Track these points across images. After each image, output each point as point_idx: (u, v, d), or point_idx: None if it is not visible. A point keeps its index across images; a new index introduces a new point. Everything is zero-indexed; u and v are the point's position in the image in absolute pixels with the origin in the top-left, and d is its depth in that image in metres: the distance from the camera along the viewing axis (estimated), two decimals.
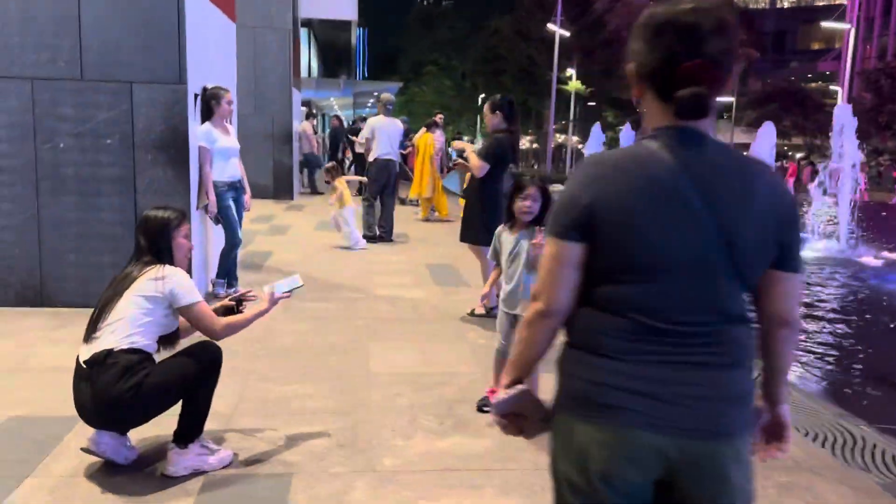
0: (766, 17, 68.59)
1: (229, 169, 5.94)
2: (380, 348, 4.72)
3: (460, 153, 5.99)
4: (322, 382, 4.04)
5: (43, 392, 3.76)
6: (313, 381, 4.05)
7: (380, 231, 9.52)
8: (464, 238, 5.67)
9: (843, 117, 14.03)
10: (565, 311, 1.43)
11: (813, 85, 59.64)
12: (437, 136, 12.48)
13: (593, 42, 39.48)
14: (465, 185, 6.42)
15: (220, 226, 5.94)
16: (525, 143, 59.92)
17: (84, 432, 3.00)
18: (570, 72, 39.33)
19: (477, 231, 5.50)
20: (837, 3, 71.18)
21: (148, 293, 2.86)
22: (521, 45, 40.58)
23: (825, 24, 36.20)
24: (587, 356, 1.40)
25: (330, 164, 9.49)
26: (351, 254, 8.49)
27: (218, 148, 5.79)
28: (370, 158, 9.56)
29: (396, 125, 9.82)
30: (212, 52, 6.22)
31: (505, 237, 3.70)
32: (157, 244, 3.01)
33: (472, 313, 5.65)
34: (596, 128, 25.12)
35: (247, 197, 6.16)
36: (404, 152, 15.38)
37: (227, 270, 6.06)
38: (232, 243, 5.96)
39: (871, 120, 37.56)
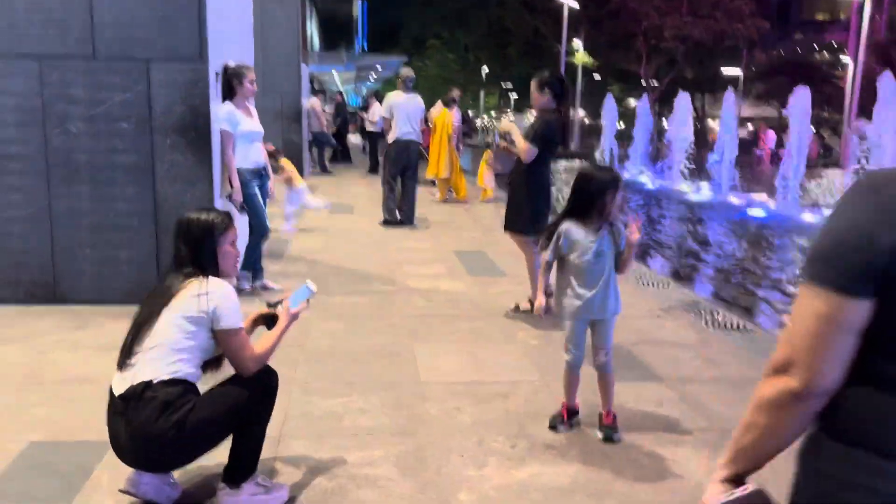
0: None
1: (253, 154, 5.51)
2: (426, 351, 4.34)
3: (505, 136, 5.55)
4: (371, 394, 3.67)
5: (64, 410, 3.38)
6: (361, 393, 3.67)
7: (400, 215, 9.10)
8: (509, 227, 5.26)
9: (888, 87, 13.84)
10: (832, 391, 1.04)
11: (820, 57, 58.75)
12: (454, 114, 12.01)
13: (599, 13, 38.60)
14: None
15: (243, 215, 5.53)
16: (528, 118, 59.32)
17: (116, 462, 2.62)
18: (578, 44, 38.55)
19: (524, 220, 5.08)
20: None
21: (191, 313, 2.46)
22: (527, 18, 39.67)
23: None
24: (870, 458, 1.00)
25: (272, 149, 8.26)
26: (374, 240, 8.09)
27: (241, 131, 5.36)
28: (390, 139, 9.11)
29: (417, 102, 9.35)
30: (232, 26, 5.76)
31: (578, 234, 3.24)
32: (201, 253, 2.59)
33: (516, 309, 5.27)
34: (609, 101, 24.45)
35: (271, 183, 5.74)
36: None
37: (253, 262, 5.66)
38: (260, 234, 5.56)
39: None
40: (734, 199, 14.61)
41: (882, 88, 13.85)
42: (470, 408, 3.53)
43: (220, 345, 2.55)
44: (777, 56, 50.95)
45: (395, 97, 9.13)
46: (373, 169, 16.06)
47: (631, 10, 36.91)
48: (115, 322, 4.71)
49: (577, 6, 32.26)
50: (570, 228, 3.24)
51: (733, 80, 50.37)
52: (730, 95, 18.00)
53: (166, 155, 4.98)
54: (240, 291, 5.57)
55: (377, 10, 61.56)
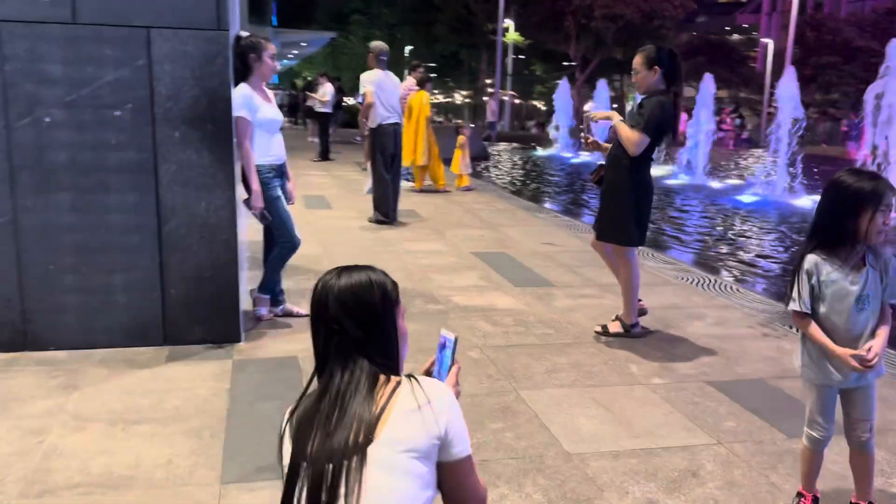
0: None
1: (275, 147, 4.40)
2: (543, 403, 3.42)
3: (588, 124, 4.64)
4: (512, 476, 2.73)
5: None
6: (508, 480, 2.72)
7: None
8: (607, 236, 4.34)
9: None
10: None
11: (736, 37, 60.47)
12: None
13: None
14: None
15: (265, 224, 4.42)
16: (459, 99, 58.30)
17: None
18: (508, 23, 37.83)
19: (628, 228, 4.20)
20: None
21: (422, 443, 1.45)
22: None
23: None
24: None
25: None
26: (376, 242, 7.04)
27: (261, 119, 4.24)
28: (371, 124, 8.00)
29: (395, 81, 8.30)
30: None
31: (833, 272, 2.33)
32: (381, 334, 1.57)
33: (605, 332, 4.41)
34: (601, 84, 23.96)
35: (290, 184, 4.64)
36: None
37: (274, 284, 4.57)
38: (289, 246, 4.46)
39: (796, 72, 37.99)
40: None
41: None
42: (665, 497, 2.65)
43: (446, 478, 1.54)
44: (696, 37, 51.99)
45: (375, 76, 8.01)
46: (323, 154, 14.81)
47: None
48: (117, 376, 3.57)
49: None
50: (821, 264, 2.36)
51: None
52: (708, 78, 17.60)
53: (174, 153, 3.82)
54: (258, 320, 4.50)
55: None
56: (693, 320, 4.81)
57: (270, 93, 4.50)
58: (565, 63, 50.24)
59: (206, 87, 3.81)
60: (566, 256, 6.63)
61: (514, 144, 26.42)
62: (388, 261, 6.25)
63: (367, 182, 8.28)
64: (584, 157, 19.83)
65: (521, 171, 16.56)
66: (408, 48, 49.33)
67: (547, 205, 11.01)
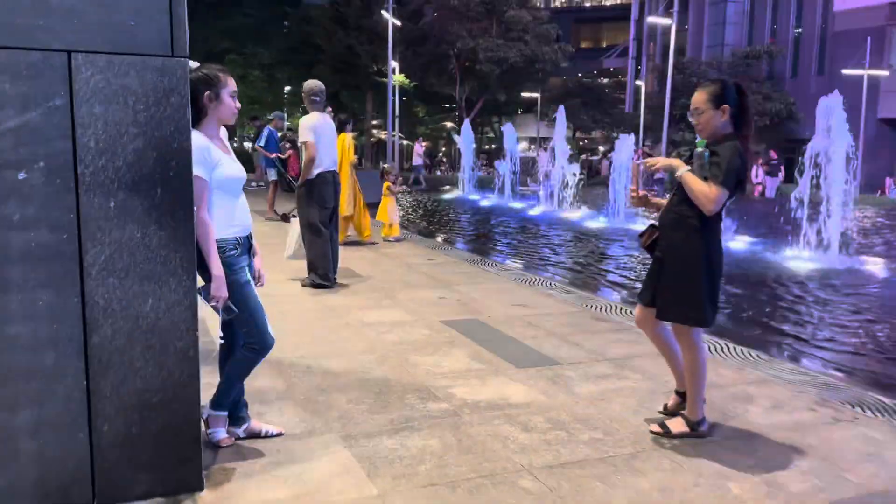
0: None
1: (239, 214, 3.28)
2: None
3: (640, 175, 3.84)
4: None
5: None
6: None
7: (321, 275, 6.90)
8: (674, 314, 3.48)
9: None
10: None
11: (605, 81, 63.38)
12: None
13: (413, 34, 37.91)
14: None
15: (230, 318, 3.26)
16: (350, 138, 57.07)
17: None
18: (394, 65, 37.44)
19: (701, 305, 3.39)
20: (609, 4, 76.76)
21: None
22: (339, 34, 37.85)
23: (651, 19, 37.74)
24: None
25: None
26: (326, 313, 5.91)
27: (220, 178, 3.14)
28: (313, 171, 6.92)
29: (331, 123, 7.29)
30: None
31: None
32: None
33: (666, 432, 3.56)
34: (466, 126, 23.44)
35: (258, 261, 3.51)
36: (283, 156, 12.59)
37: (236, 396, 3.40)
38: (258, 348, 3.30)
39: (662, 114, 39.86)
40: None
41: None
42: None
43: None
44: (569, 80, 53.99)
45: (314, 121, 6.96)
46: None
47: (441, 32, 36.65)
48: None
49: (399, 24, 31.06)
50: None
51: (533, 103, 52.61)
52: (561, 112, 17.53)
53: (108, 230, 2.65)
54: (215, 448, 3.33)
55: None
56: (744, 404, 4.07)
57: (226, 140, 3.39)
58: (447, 105, 50.65)
59: (155, 136, 2.68)
60: (548, 322, 5.79)
61: (407, 188, 25.72)
62: (349, 338, 5.16)
63: (289, 243, 7.14)
64: (493, 199, 19.38)
65: (437, 216, 15.71)
66: (287, 88, 47.94)
67: (493, 256, 10.21)
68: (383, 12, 29.19)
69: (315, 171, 6.82)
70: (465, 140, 22.59)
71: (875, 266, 9.38)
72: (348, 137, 9.44)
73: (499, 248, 11.01)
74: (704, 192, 3.29)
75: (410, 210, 16.70)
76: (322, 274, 6.82)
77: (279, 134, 13.09)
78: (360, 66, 38.81)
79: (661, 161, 3.53)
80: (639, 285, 8.55)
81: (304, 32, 40.34)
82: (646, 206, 3.71)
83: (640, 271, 9.18)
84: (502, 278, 7.67)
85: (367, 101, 42.03)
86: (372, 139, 43.64)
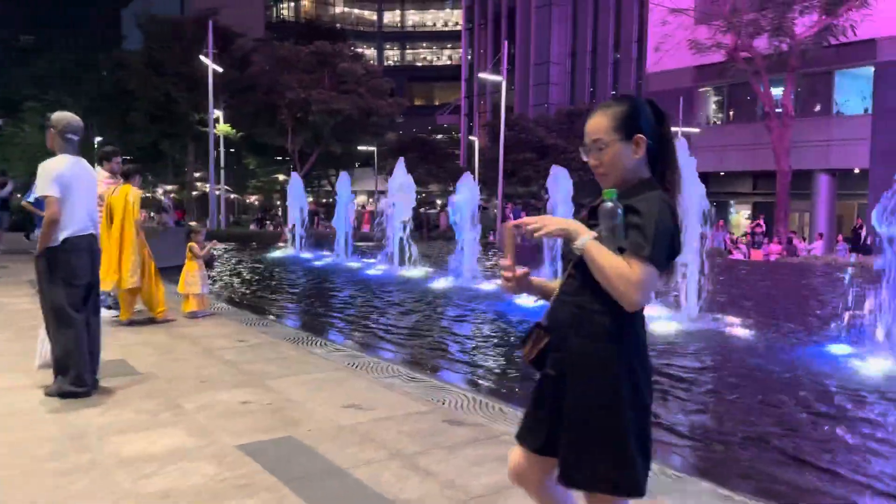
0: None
1: None
2: None
3: (510, 243, 2.40)
4: None
5: None
6: None
7: (74, 378, 4.96)
8: (581, 479, 2.08)
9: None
10: None
11: (439, 136, 64.19)
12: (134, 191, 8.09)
13: (239, 82, 35.85)
14: None
15: None
16: (160, 194, 52.66)
17: None
18: (217, 113, 35.03)
19: (627, 461, 2.03)
20: (440, 64, 78.80)
21: None
22: (154, 80, 34.91)
23: (482, 75, 38.16)
24: None
25: None
26: (59, 442, 4.02)
27: None
28: (51, 240, 4.99)
29: (91, 171, 5.46)
30: None
31: None
32: None
33: None
34: (295, 178, 21.57)
35: None
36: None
37: None
38: None
39: (495, 168, 40.45)
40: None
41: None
42: None
43: None
44: (405, 134, 53.98)
45: (61, 166, 5.08)
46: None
47: (271, 82, 34.96)
48: None
49: (220, 70, 28.95)
50: None
51: (370, 157, 51.84)
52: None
53: None
54: None
55: None
56: None
57: None
58: (280, 157, 48.57)
59: None
60: (390, 432, 4.29)
61: (235, 244, 23.46)
62: (85, 494, 3.35)
63: (40, 348, 5.23)
64: (328, 258, 17.67)
65: (260, 281, 13.71)
66: (97, 139, 43.69)
67: (323, 332, 8.54)
68: (202, 57, 27.04)
69: (60, 236, 4.93)
70: (293, 193, 20.81)
71: (735, 329, 8.79)
72: (133, 190, 7.55)
73: (330, 319, 9.35)
74: (622, 272, 1.98)
75: (227, 274, 14.62)
76: (75, 377, 4.88)
77: None
78: (180, 115, 36.00)
79: (550, 224, 2.16)
80: (496, 364, 7.44)
81: (118, 79, 36.94)
82: (528, 292, 2.35)
83: (497, 346, 7.95)
84: (332, 363, 6.09)
85: (189, 151, 39.07)
86: (194, 192, 40.45)
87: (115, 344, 6.55)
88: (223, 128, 34.96)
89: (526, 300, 10.34)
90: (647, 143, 2.15)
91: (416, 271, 14.30)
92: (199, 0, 43.62)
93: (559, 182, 11.98)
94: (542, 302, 2.32)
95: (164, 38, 34.77)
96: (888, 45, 27.15)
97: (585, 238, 2.05)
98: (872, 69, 29.00)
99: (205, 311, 8.34)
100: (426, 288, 12.21)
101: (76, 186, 5.06)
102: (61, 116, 5.21)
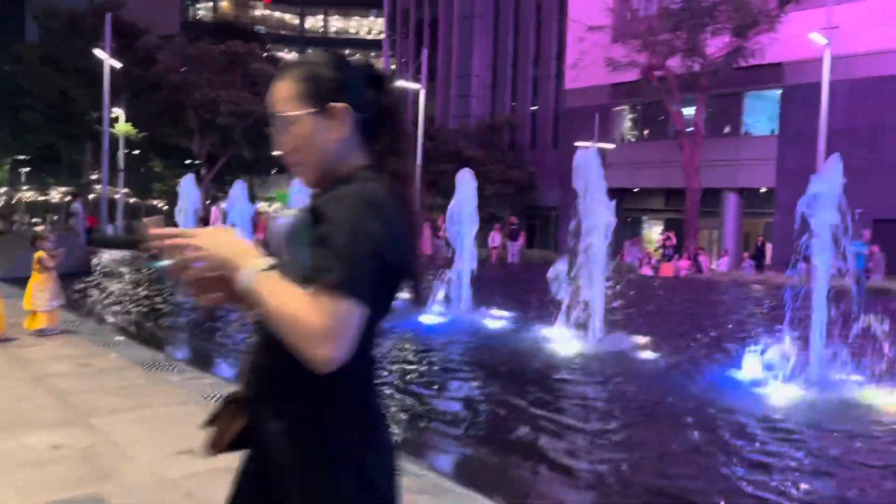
0: None
1: None
2: None
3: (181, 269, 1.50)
4: None
5: None
6: None
7: None
8: None
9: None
10: None
11: None
12: None
13: (143, 80, 33.95)
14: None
15: None
16: (57, 196, 49.42)
17: None
18: (118, 112, 33.07)
19: None
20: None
21: None
22: (52, 77, 32.66)
23: (401, 83, 37.41)
24: None
25: None
26: None
27: None
28: None
29: None
30: None
31: None
32: None
33: None
34: (187, 180, 20.08)
35: None
36: None
37: None
38: None
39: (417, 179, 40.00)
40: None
41: None
42: None
43: None
44: None
45: None
46: None
47: (175, 84, 33.28)
48: None
49: (118, 65, 27.20)
50: None
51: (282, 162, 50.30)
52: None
53: None
54: None
55: None
56: None
57: None
58: (189, 161, 46.53)
59: None
60: (220, 487, 3.50)
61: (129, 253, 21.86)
62: None
63: None
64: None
65: (137, 293, 12.48)
66: None
67: (185, 351, 7.60)
68: (97, 51, 25.32)
69: None
70: (186, 194, 19.26)
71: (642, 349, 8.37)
72: None
73: (199, 337, 8.38)
74: (298, 316, 1.27)
75: (99, 284, 13.34)
76: None
77: None
78: (78, 114, 33.82)
79: (200, 243, 1.47)
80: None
81: (9, 73, 34.42)
82: (233, 306, 1.59)
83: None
84: (184, 394, 5.24)
85: (87, 152, 36.79)
86: (91, 195, 38.09)
87: None
88: (123, 127, 33.04)
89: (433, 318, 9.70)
90: (357, 115, 1.47)
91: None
92: None
93: (463, 186, 11.18)
94: None
95: (61, 33, 32.61)
96: (794, 69, 28.12)
97: (250, 270, 1.33)
98: (780, 92, 29.99)
99: (54, 328, 7.28)
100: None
101: None
102: None
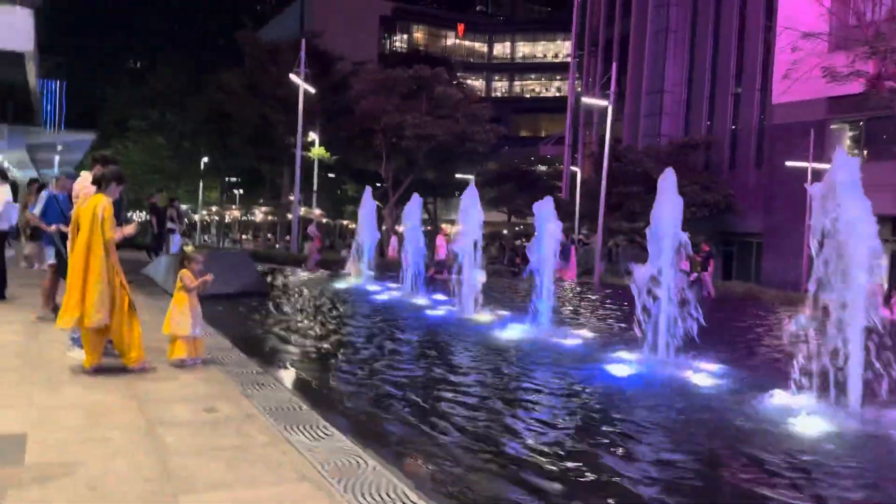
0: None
1: None
2: None
3: None
4: None
5: None
6: None
7: None
8: None
9: None
10: None
11: (542, 168, 62.11)
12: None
13: (337, 106, 35.19)
14: None
15: None
16: (259, 215, 53.20)
17: None
18: (313, 136, 34.47)
19: None
20: (547, 95, 76.78)
21: None
22: (252, 103, 34.82)
23: (587, 100, 35.95)
24: None
25: None
26: None
27: None
28: None
29: None
30: None
31: None
32: None
33: None
34: (367, 193, 19.92)
35: None
36: (64, 229, 8.92)
37: None
38: None
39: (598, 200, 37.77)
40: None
41: None
42: None
43: None
44: (504, 164, 52.21)
45: None
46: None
47: (367, 109, 34.05)
48: None
49: (312, 90, 28.15)
50: None
51: (466, 185, 50.32)
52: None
53: None
54: None
55: (79, 95, 52.95)
56: None
57: None
58: (379, 184, 47.87)
59: None
60: None
61: (322, 272, 22.12)
62: None
63: None
64: (395, 291, 15.79)
65: (312, 319, 11.84)
66: (204, 160, 44.42)
67: (326, 397, 6.62)
68: (292, 76, 26.27)
69: None
70: (365, 213, 18.95)
71: None
72: (104, 201, 5.95)
73: (349, 377, 7.32)
74: None
75: (253, 309, 12.53)
76: None
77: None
78: (277, 138, 35.69)
79: None
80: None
81: (217, 100, 37.19)
82: None
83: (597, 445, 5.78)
84: (302, 464, 4.13)
85: (285, 174, 38.77)
86: (289, 215, 40.04)
87: (37, 404, 4.89)
88: (318, 151, 34.32)
89: (620, 368, 8.05)
90: None
91: (486, 315, 12.17)
92: (318, 27, 43.77)
93: (542, 213, 10.35)
94: None
95: (262, 61, 34.66)
96: None
97: None
98: None
99: (196, 358, 6.61)
100: (494, 338, 10.05)
101: None
102: None
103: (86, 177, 6.56)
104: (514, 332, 10.35)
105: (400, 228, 23.83)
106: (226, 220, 59.26)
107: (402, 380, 7.12)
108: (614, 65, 30.22)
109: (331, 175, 43.74)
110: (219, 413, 5.09)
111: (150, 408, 5.07)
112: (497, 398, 6.54)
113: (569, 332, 10.47)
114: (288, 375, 7.08)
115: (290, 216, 42.67)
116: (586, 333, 10.74)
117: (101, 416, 4.82)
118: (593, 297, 19.12)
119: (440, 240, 23.21)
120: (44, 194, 8.78)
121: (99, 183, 6.08)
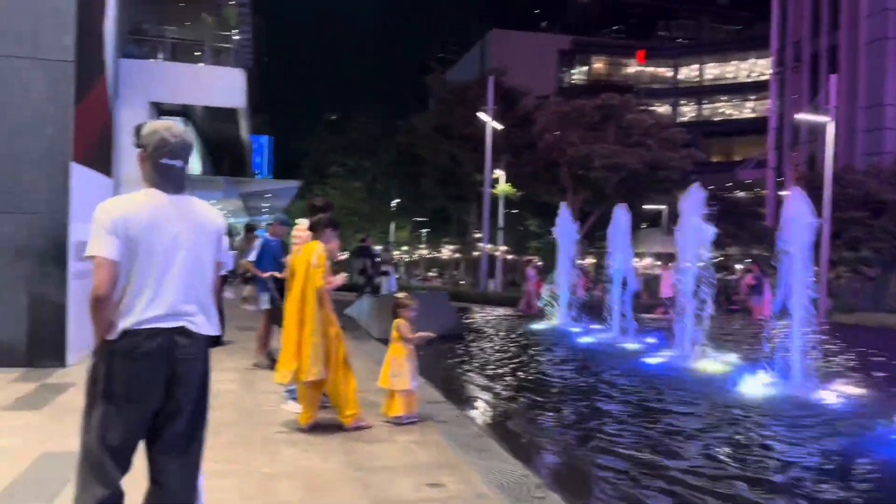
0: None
1: None
2: None
3: None
4: None
5: None
6: None
7: None
8: None
9: None
10: None
11: (741, 194, 57.91)
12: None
13: (522, 141, 34.90)
14: None
15: None
16: (446, 252, 54.30)
17: None
18: (498, 173, 34.38)
19: None
20: (735, 117, 71.76)
21: None
22: (441, 143, 35.52)
23: (800, 117, 32.90)
24: None
25: None
26: None
27: None
28: (115, 327, 3.00)
29: (196, 219, 3.23)
30: None
31: None
32: None
33: None
34: (564, 211, 19.08)
35: None
36: (279, 275, 8.94)
37: None
38: None
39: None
40: None
41: None
42: None
43: None
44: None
45: (133, 206, 2.98)
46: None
47: (550, 141, 33.39)
48: None
49: (500, 127, 28.00)
50: None
51: (656, 216, 47.75)
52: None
53: None
54: None
55: (284, 146, 57.63)
56: None
57: None
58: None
59: None
60: None
61: (504, 310, 21.55)
62: None
63: None
64: (598, 333, 14.66)
65: (514, 367, 11.05)
66: (395, 201, 46.08)
67: (566, 471, 5.76)
68: (480, 114, 26.26)
69: (119, 326, 2.91)
70: (562, 235, 17.98)
71: None
72: (318, 248, 5.62)
73: (586, 443, 6.42)
74: None
75: (455, 353, 11.82)
76: None
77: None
78: (464, 176, 36.03)
79: None
80: None
81: (407, 144, 38.40)
82: None
83: None
84: None
85: (472, 212, 39.00)
86: (475, 252, 40.18)
87: (255, 471, 4.51)
88: (504, 188, 34.13)
89: None
90: None
91: (712, 363, 10.73)
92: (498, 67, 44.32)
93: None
94: None
95: (452, 103, 35.32)
96: None
97: None
98: None
99: (412, 414, 6.07)
100: (737, 397, 8.61)
101: (152, 241, 3.00)
102: (154, 128, 3.19)
103: (302, 224, 6.34)
104: (755, 388, 8.86)
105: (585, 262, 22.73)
106: (413, 258, 61.15)
107: (662, 462, 6.10)
108: (833, 77, 27.17)
109: (514, 211, 43.47)
110: (444, 489, 4.43)
111: (372, 480, 4.52)
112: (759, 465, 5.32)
113: (824, 387, 8.83)
114: (510, 439, 6.32)
115: (476, 253, 42.93)
116: (847, 388, 9.03)
117: (321, 489, 4.33)
118: (822, 339, 16.71)
119: (665, 273, 21.45)
120: (258, 241, 8.86)
121: (314, 228, 5.79)
